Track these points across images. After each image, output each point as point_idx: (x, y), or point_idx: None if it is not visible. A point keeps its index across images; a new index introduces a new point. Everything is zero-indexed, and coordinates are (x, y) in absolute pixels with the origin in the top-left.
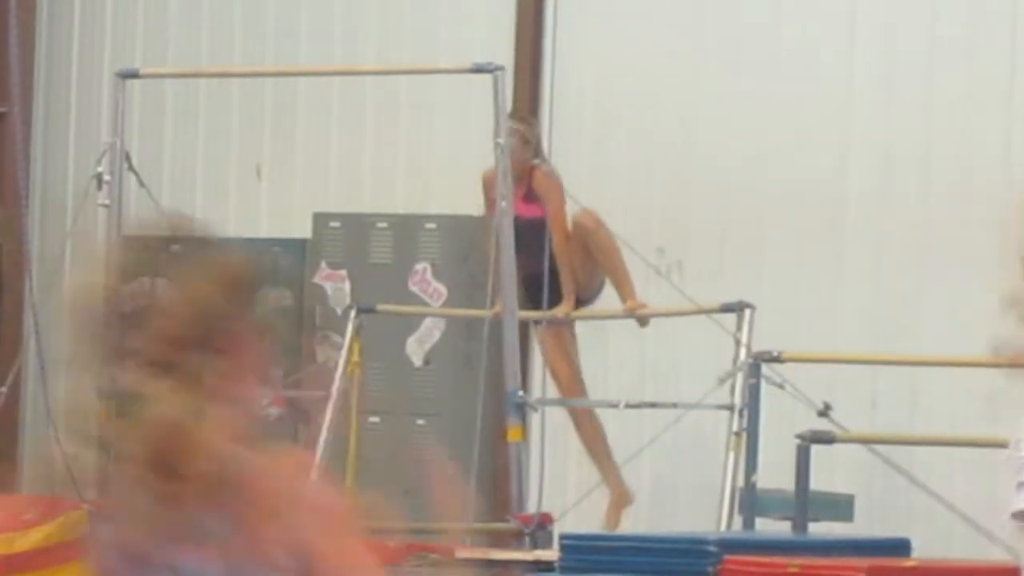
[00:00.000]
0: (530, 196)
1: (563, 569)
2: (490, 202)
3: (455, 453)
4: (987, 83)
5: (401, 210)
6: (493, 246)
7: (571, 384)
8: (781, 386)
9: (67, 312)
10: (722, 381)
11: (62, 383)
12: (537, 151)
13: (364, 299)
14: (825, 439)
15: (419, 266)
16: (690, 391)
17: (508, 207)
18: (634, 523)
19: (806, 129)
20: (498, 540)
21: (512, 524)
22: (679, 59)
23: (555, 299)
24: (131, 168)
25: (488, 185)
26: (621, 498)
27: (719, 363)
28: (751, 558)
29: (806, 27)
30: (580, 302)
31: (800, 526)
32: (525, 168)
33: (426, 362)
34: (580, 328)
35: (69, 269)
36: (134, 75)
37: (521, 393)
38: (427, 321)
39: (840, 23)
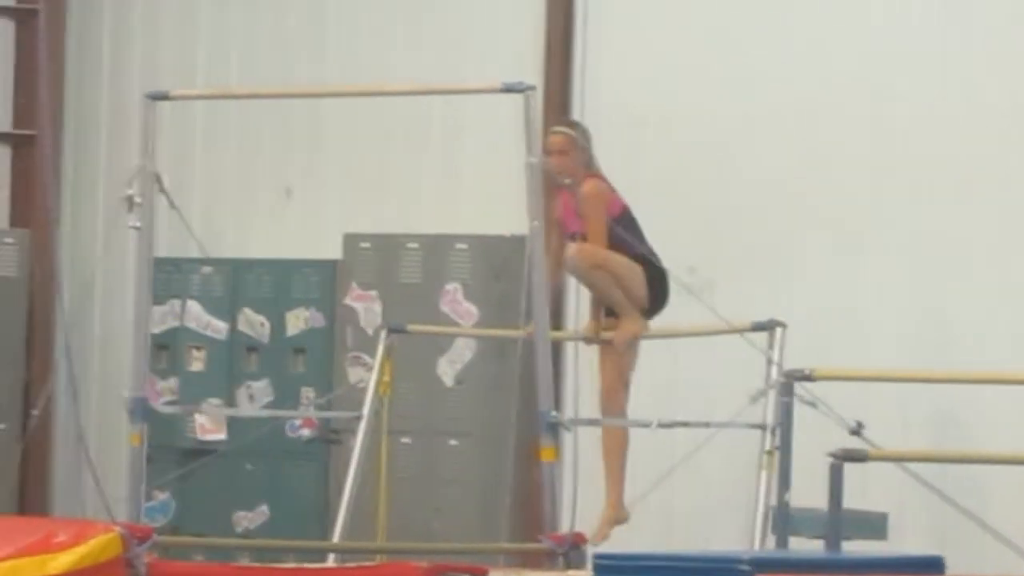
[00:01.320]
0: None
1: None
2: (553, 226)
3: (487, 473)
4: None
5: (431, 230)
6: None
7: (608, 392)
8: (813, 404)
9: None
10: (754, 400)
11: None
12: (590, 161)
13: (395, 319)
14: (858, 457)
15: (450, 286)
16: (722, 410)
17: (540, 226)
18: (667, 542)
19: (839, 147)
20: (531, 560)
21: (545, 544)
22: (710, 77)
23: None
24: (162, 190)
25: (552, 210)
26: (618, 515)
27: (751, 382)
28: None
29: (840, 47)
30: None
31: (833, 544)
32: (580, 177)
33: (458, 382)
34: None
35: (99, 291)
36: (164, 97)
37: (554, 413)
38: (458, 341)
39: (875, 42)
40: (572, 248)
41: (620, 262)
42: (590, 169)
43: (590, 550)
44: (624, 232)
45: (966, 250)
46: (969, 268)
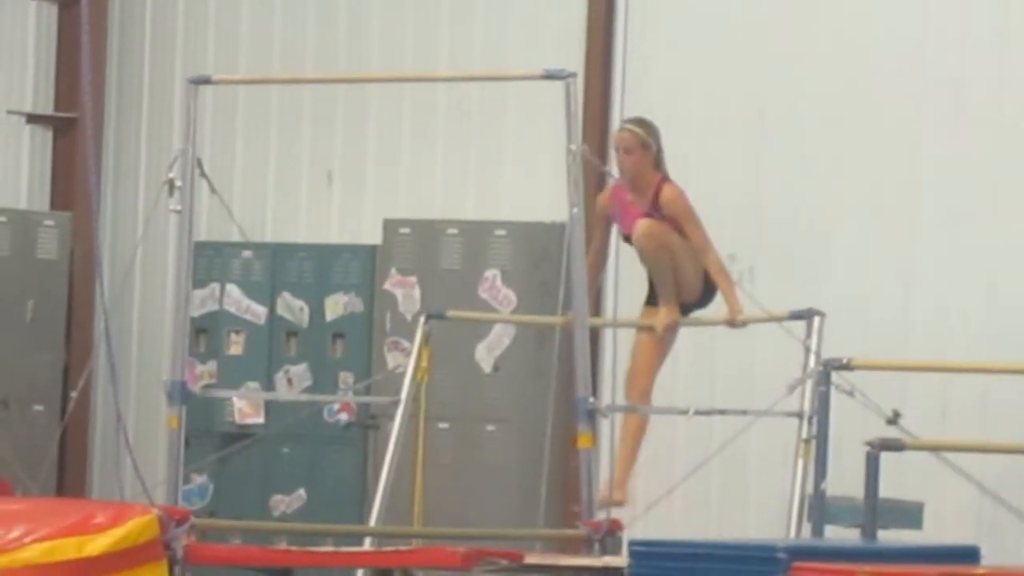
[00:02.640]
0: (656, 211)
1: None
2: (601, 221)
3: (524, 459)
4: None
5: (471, 216)
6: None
7: (635, 376)
8: (851, 394)
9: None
10: (792, 389)
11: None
12: (659, 161)
13: (434, 305)
14: (895, 447)
15: (489, 272)
16: (760, 398)
17: (579, 213)
18: (703, 530)
19: (878, 137)
20: (567, 546)
21: (582, 530)
22: (750, 65)
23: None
24: (203, 174)
25: (603, 206)
26: (616, 497)
27: (789, 370)
28: (820, 565)
29: (880, 36)
30: (686, 308)
31: (869, 533)
32: (647, 178)
33: (495, 368)
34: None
35: (140, 274)
36: (206, 81)
37: (592, 400)
38: (497, 327)
39: (914, 31)
40: (644, 224)
41: (685, 251)
42: (659, 169)
43: (624, 537)
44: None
45: (1008, 240)
46: (1010, 258)
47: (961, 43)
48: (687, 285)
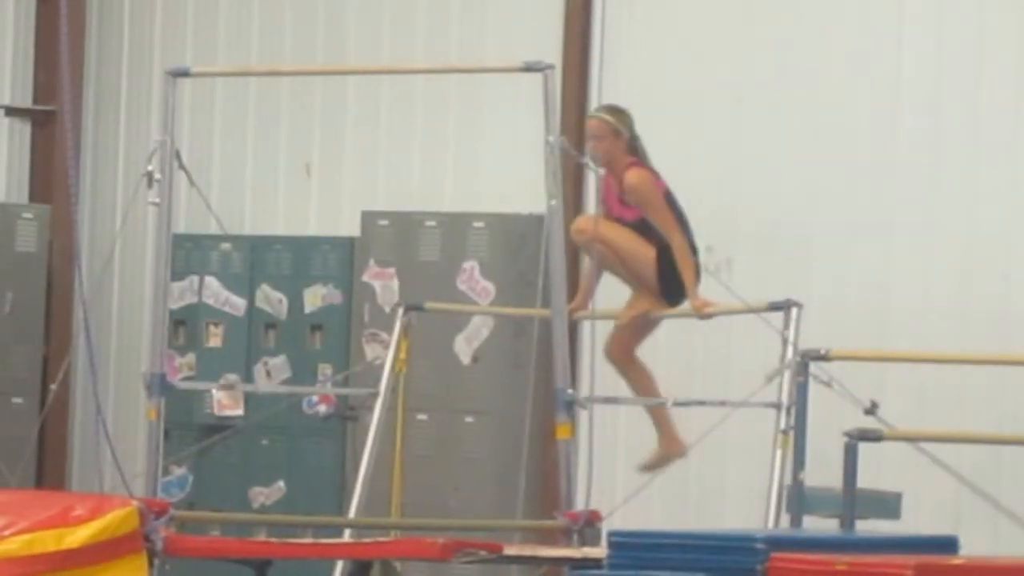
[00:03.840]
0: (624, 196)
1: (611, 566)
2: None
3: (503, 451)
4: None
5: (449, 208)
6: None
7: (610, 349)
8: (829, 384)
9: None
10: (770, 379)
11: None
12: (633, 147)
13: (412, 297)
14: (873, 437)
15: (467, 264)
16: (738, 389)
17: (558, 205)
18: (682, 520)
19: (857, 126)
20: (546, 537)
21: (560, 521)
22: (728, 55)
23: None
24: (181, 166)
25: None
26: (677, 447)
27: (767, 361)
28: (799, 555)
29: (858, 25)
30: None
31: (847, 524)
32: (620, 164)
33: (474, 360)
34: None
35: (118, 267)
36: (185, 73)
37: (570, 391)
38: (475, 319)
39: (891, 20)
40: (578, 220)
41: (625, 244)
42: (634, 155)
43: (603, 528)
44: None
45: (985, 231)
46: (987, 249)
47: (938, 33)
48: (644, 276)
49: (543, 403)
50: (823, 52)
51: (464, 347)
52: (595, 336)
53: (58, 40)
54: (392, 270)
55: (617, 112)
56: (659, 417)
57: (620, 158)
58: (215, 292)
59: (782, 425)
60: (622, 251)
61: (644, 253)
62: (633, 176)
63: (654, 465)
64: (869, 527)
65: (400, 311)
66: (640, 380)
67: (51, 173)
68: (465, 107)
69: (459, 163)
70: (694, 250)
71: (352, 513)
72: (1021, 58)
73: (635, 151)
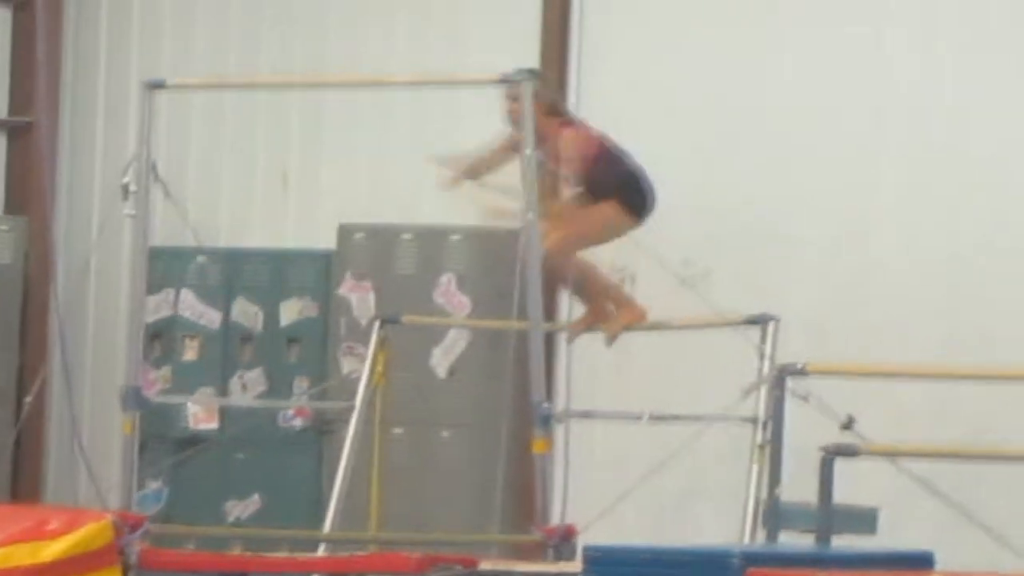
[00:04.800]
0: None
1: None
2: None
3: (480, 464)
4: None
5: (426, 221)
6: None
7: (550, 233)
8: (805, 399)
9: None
10: (746, 394)
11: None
12: (555, 108)
13: (389, 310)
14: (849, 452)
15: (444, 277)
16: (715, 403)
17: (534, 219)
18: (658, 535)
19: (838, 137)
20: (522, 552)
21: (536, 536)
22: (708, 64)
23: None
24: (157, 179)
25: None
26: (632, 314)
27: (744, 376)
28: (775, 571)
29: (839, 33)
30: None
31: (824, 539)
32: (550, 130)
33: (451, 373)
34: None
35: (94, 279)
36: (161, 85)
37: (547, 404)
38: (452, 332)
39: (874, 29)
40: (544, 251)
41: (593, 232)
42: (563, 116)
43: (579, 542)
44: (602, 172)
45: (965, 246)
46: (967, 263)
47: (922, 39)
48: (622, 230)
49: (520, 417)
50: (805, 63)
51: (440, 360)
52: (571, 350)
53: (34, 51)
54: (369, 283)
55: (535, 73)
56: (616, 294)
57: (545, 122)
58: (191, 305)
59: (759, 440)
60: (595, 239)
61: (607, 216)
62: (562, 140)
63: (616, 331)
64: (845, 542)
65: (377, 324)
66: (583, 271)
67: (27, 184)
68: (442, 119)
69: (435, 175)
70: (641, 207)
71: (328, 527)
72: (1006, 67)
73: (557, 111)
